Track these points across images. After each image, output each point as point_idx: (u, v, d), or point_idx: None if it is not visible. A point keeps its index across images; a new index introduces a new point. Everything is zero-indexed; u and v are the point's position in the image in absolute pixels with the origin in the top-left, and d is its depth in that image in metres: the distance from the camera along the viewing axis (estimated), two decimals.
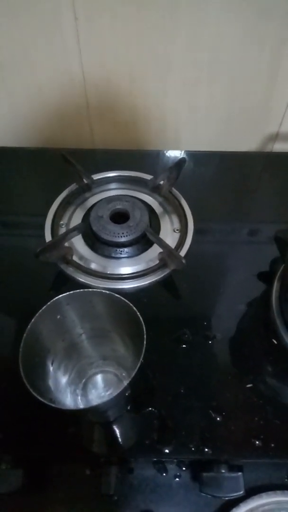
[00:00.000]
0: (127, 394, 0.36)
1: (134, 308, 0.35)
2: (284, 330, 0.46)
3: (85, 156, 0.70)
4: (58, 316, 0.38)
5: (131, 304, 0.36)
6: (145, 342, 0.34)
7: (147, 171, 0.65)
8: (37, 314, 0.36)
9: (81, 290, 0.38)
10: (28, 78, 0.66)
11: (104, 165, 0.66)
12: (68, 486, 0.43)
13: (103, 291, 0.37)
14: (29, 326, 0.35)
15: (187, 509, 0.43)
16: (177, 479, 0.44)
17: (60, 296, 0.37)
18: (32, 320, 0.35)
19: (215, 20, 0.58)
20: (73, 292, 0.37)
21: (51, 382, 0.39)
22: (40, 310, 0.36)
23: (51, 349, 0.39)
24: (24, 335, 0.34)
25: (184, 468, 0.44)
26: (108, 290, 0.38)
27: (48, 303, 0.36)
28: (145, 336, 0.34)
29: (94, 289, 0.38)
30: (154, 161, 0.71)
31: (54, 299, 0.37)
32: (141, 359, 0.33)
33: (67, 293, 0.37)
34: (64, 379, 0.42)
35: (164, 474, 0.44)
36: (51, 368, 0.40)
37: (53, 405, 0.32)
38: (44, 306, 0.36)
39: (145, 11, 0.58)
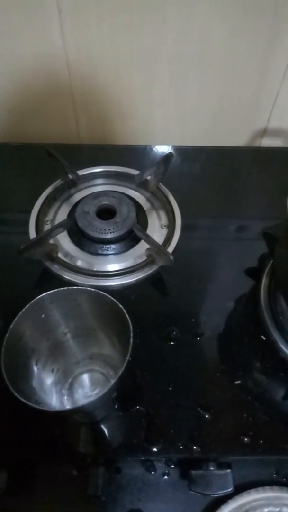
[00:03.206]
0: (114, 394, 0.35)
1: (120, 306, 0.34)
2: (272, 326, 0.46)
3: (70, 151, 0.68)
4: (42, 315, 0.37)
5: (117, 302, 0.35)
6: (131, 341, 0.33)
7: (134, 167, 0.65)
8: (19, 313, 0.35)
9: (66, 288, 0.37)
10: (12, 71, 0.65)
11: (90, 160, 0.65)
12: (55, 487, 0.42)
13: (89, 288, 0.36)
14: (11, 326, 0.34)
15: (175, 507, 0.42)
16: (165, 477, 0.43)
17: (44, 294, 0.36)
18: (15, 319, 0.34)
19: (205, 13, 0.57)
20: (57, 290, 0.36)
21: (35, 383, 0.38)
22: (23, 309, 0.35)
23: (35, 348, 0.38)
24: (7, 334, 0.33)
25: (172, 466, 0.44)
26: (94, 288, 0.37)
27: (31, 301, 0.35)
28: (131, 335, 0.33)
29: (79, 287, 0.37)
30: (141, 156, 0.70)
31: (38, 297, 0.36)
32: (127, 358, 0.32)
33: (51, 291, 0.36)
34: (49, 379, 0.41)
35: (152, 473, 0.44)
36: (35, 369, 0.39)
37: (37, 406, 0.31)
38: (27, 305, 0.35)
39: (132, 3, 0.56)
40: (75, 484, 0.42)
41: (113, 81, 0.66)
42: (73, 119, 0.72)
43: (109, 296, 0.35)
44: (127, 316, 0.34)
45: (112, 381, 0.32)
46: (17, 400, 0.31)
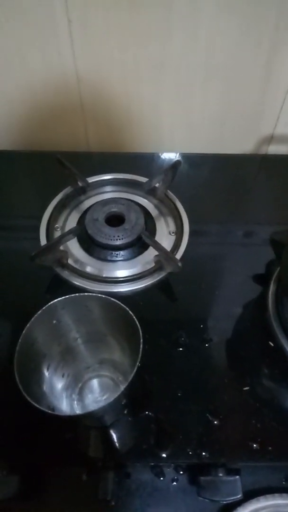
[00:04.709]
0: (124, 399, 0.36)
1: (130, 312, 0.35)
2: (280, 332, 0.46)
3: (80, 159, 0.70)
4: (54, 321, 0.38)
5: (127, 308, 0.35)
6: (141, 347, 0.34)
7: (142, 174, 0.65)
8: (32, 319, 0.35)
9: (77, 294, 0.37)
10: (22, 81, 0.66)
11: (99, 168, 0.66)
12: (65, 491, 0.43)
13: (99, 295, 0.37)
14: (24, 331, 0.35)
15: None
16: (174, 483, 0.43)
17: (56, 300, 0.37)
18: (27, 325, 0.35)
19: (210, 23, 0.58)
20: (69, 296, 0.37)
21: (46, 387, 0.39)
22: (36, 315, 0.36)
23: (46, 354, 0.39)
24: (19, 340, 0.34)
25: (181, 472, 0.44)
26: (104, 294, 0.38)
27: (44, 307, 0.36)
28: (141, 341, 0.34)
29: (90, 293, 0.38)
30: (149, 163, 0.71)
31: (50, 303, 0.36)
32: (137, 364, 0.33)
33: (63, 297, 0.37)
34: (60, 384, 0.42)
35: (161, 478, 0.44)
36: (46, 373, 0.39)
37: (50, 411, 0.32)
38: (40, 311, 0.36)
39: (139, 14, 0.58)
40: (84, 489, 0.42)
41: (121, 91, 0.68)
42: (82, 128, 0.73)
43: (119, 302, 0.36)
44: (137, 322, 0.34)
45: (122, 387, 0.33)
46: (29, 405, 0.31)
